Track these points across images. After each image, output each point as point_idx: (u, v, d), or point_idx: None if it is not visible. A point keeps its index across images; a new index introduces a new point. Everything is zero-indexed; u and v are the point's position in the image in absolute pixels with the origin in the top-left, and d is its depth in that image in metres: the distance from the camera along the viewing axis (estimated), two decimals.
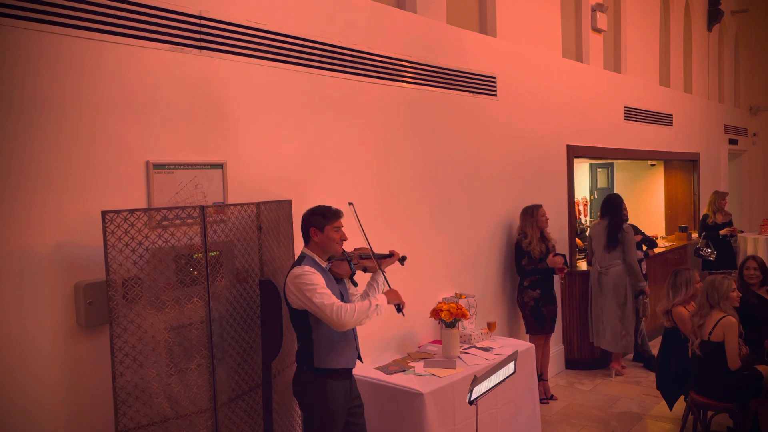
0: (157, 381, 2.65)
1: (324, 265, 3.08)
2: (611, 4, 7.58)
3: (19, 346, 2.51)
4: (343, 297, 3.12)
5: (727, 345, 3.98)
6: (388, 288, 3.22)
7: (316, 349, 2.98)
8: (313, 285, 2.87)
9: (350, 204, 3.19)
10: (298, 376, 3.08)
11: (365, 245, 3.27)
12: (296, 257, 3.35)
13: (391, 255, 3.34)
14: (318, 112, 3.78)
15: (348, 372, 3.10)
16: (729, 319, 4.01)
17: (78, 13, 2.68)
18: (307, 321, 2.98)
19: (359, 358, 3.20)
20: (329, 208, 3.08)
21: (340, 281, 3.18)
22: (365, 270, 3.29)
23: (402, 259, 3.39)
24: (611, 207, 5.97)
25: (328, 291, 2.90)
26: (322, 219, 3.03)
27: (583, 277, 6.24)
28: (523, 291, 5.33)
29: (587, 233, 6.22)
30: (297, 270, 2.94)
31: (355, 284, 3.29)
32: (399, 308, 3.10)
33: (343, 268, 3.18)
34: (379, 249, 3.40)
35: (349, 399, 3.12)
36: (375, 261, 3.27)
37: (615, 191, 9.01)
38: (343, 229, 3.09)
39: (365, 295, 3.32)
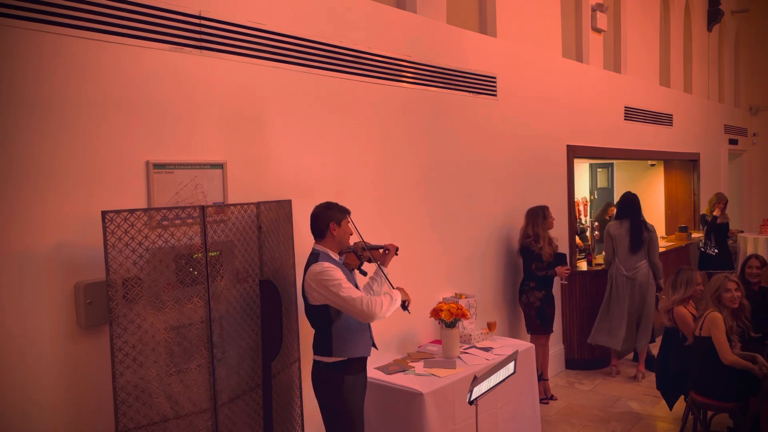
0: (157, 381, 2.65)
1: (338, 259, 3.18)
2: (611, 4, 7.58)
3: (18, 346, 2.51)
4: (357, 287, 3.20)
5: (713, 340, 4.03)
6: (388, 284, 3.30)
7: (335, 339, 3.07)
8: (337, 280, 2.97)
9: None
10: (316, 372, 3.17)
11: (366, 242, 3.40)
12: (296, 257, 3.37)
13: (387, 248, 3.43)
14: (318, 112, 3.78)
15: (364, 361, 3.20)
16: (713, 314, 4.08)
17: (78, 13, 2.68)
18: (327, 314, 3.06)
19: (374, 345, 3.29)
20: (338, 203, 3.21)
21: (350, 272, 3.28)
22: (369, 261, 3.38)
23: (396, 249, 3.49)
24: (631, 207, 5.91)
25: (352, 285, 3.03)
26: (338, 213, 3.16)
27: (583, 277, 6.24)
28: (529, 292, 5.31)
29: (607, 233, 6.07)
30: (317, 267, 3.02)
31: (364, 273, 3.37)
32: (404, 305, 3.19)
33: (352, 259, 3.30)
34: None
35: (365, 388, 3.25)
36: (377, 253, 3.40)
37: (615, 191, 9.02)
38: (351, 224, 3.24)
39: (368, 288, 3.43)
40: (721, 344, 4.00)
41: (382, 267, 3.34)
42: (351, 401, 3.10)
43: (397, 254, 3.47)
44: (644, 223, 5.90)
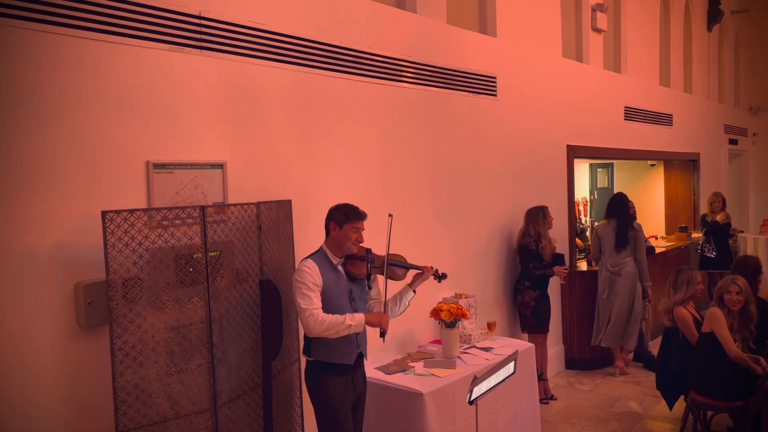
0: (157, 381, 2.65)
1: (336, 261, 3.11)
2: (611, 4, 7.58)
3: (18, 345, 2.51)
4: (352, 293, 3.14)
5: (717, 335, 4.03)
6: (379, 311, 3.18)
7: (314, 340, 3.05)
8: (301, 283, 2.95)
9: (390, 216, 3.17)
10: (305, 369, 3.16)
11: (396, 256, 3.28)
12: (296, 257, 3.37)
13: (423, 270, 3.30)
14: (318, 112, 3.78)
15: (346, 367, 3.10)
16: (712, 309, 4.08)
17: (78, 13, 2.68)
18: None
19: (363, 355, 3.19)
20: (355, 208, 3.12)
21: (354, 280, 3.17)
22: (390, 277, 3.20)
23: (440, 277, 3.32)
24: (618, 207, 6.02)
25: (312, 294, 2.94)
26: (343, 216, 3.09)
27: (583, 277, 6.25)
28: (524, 291, 5.33)
29: (595, 233, 6.23)
30: (300, 264, 3.03)
31: (370, 287, 3.26)
32: (382, 334, 3.06)
33: (358, 268, 3.16)
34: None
35: (353, 392, 3.15)
36: (400, 271, 3.25)
37: (615, 191, 9.02)
38: (363, 232, 3.12)
39: (387, 305, 3.27)
40: (725, 338, 4.00)
41: (388, 300, 3.22)
42: (334, 401, 3.05)
43: (440, 282, 3.33)
44: (630, 222, 5.98)
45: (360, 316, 3.00)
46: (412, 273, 3.34)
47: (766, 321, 4.71)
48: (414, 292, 3.35)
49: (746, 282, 4.28)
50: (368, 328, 3.14)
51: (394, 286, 3.37)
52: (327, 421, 3.08)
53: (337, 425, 3.07)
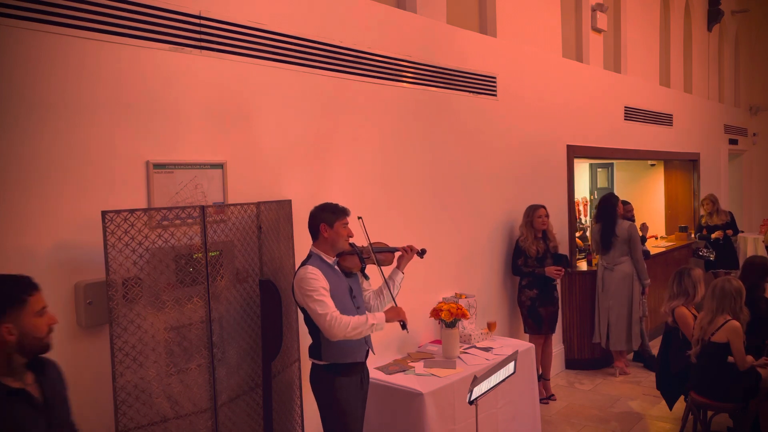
0: (157, 381, 2.65)
1: (331, 261, 3.11)
2: (611, 4, 7.58)
3: None
4: (353, 291, 3.15)
5: (733, 348, 3.96)
6: (393, 305, 3.21)
7: (324, 343, 3.03)
8: (312, 290, 2.92)
9: (359, 218, 3.19)
10: (312, 373, 3.15)
11: (377, 243, 3.33)
12: (296, 257, 3.37)
13: (405, 250, 3.37)
14: (318, 112, 3.78)
15: (358, 365, 3.14)
16: (733, 323, 3.99)
17: (78, 13, 2.68)
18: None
19: (371, 350, 3.23)
20: (337, 205, 3.14)
21: (350, 275, 3.19)
22: (379, 264, 3.26)
23: (421, 253, 3.41)
24: (604, 209, 6.06)
25: (326, 299, 2.93)
26: (331, 215, 3.09)
27: (583, 277, 6.25)
28: (521, 290, 5.35)
29: (588, 234, 6.29)
30: (301, 272, 2.99)
31: (367, 277, 3.29)
32: (403, 325, 3.09)
33: (352, 261, 3.18)
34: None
35: (363, 391, 3.19)
36: (388, 255, 3.31)
37: (615, 191, 9.02)
38: (349, 225, 3.14)
39: (379, 292, 3.35)
40: (741, 353, 3.96)
41: (387, 280, 3.28)
42: (345, 403, 3.05)
43: (422, 257, 3.40)
44: (614, 224, 5.94)
45: (381, 315, 3.03)
46: (396, 255, 3.40)
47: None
48: (402, 272, 3.39)
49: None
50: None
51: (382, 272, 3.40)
52: (337, 423, 3.07)
53: (348, 426, 3.07)
